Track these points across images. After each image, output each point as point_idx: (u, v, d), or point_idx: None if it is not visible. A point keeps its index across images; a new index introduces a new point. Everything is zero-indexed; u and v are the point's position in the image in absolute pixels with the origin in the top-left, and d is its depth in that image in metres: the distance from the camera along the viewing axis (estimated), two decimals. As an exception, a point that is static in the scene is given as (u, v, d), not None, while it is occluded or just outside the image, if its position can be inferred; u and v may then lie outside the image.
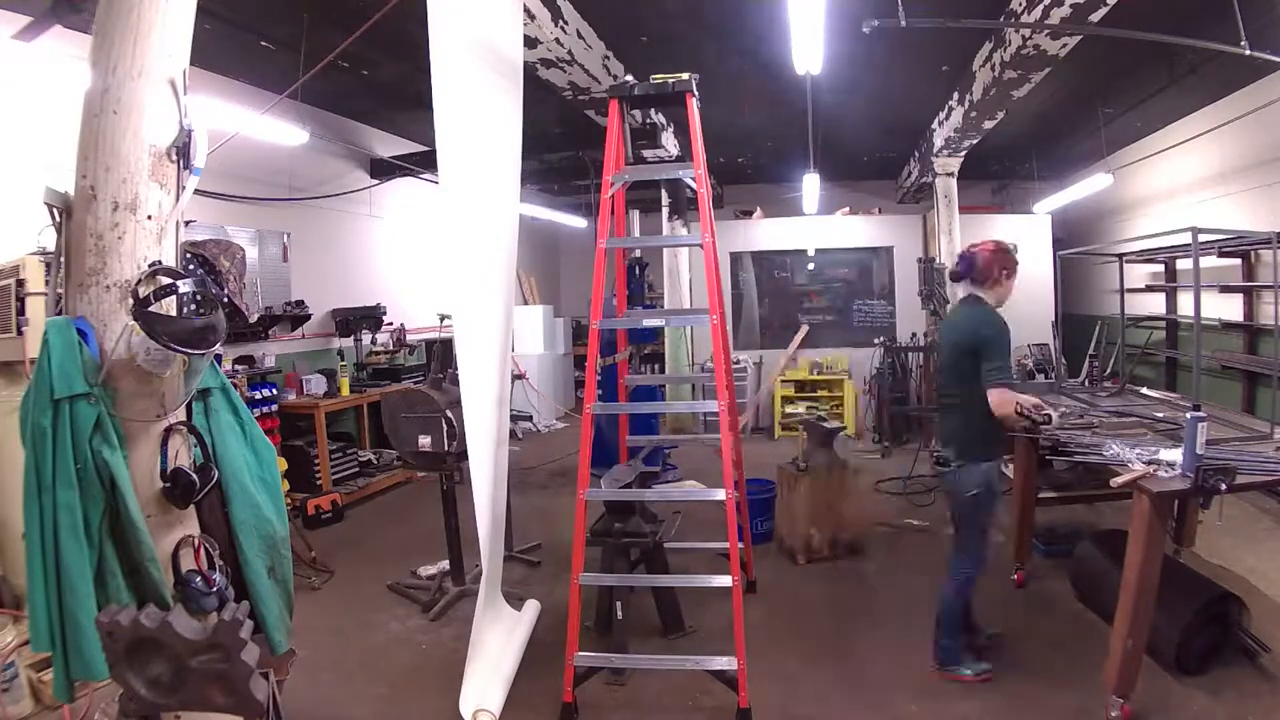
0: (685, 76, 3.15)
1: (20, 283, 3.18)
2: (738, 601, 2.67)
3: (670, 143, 7.17)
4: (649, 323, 3.47)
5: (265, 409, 5.17)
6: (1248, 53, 3.45)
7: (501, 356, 3.31)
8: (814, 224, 8.87)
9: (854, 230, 8.83)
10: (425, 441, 3.80)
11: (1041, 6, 3.76)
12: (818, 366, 8.40)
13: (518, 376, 6.61)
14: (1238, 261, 5.81)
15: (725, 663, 2.68)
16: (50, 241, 2.09)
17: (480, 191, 3.08)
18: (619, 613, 3.13)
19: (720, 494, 2.77)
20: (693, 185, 3.00)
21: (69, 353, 1.81)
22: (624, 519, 3.30)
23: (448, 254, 3.00)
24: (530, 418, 8.57)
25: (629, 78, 3.24)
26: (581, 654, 2.79)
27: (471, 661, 2.84)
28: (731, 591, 2.68)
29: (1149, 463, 2.64)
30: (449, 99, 2.74)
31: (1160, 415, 3.46)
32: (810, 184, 7.34)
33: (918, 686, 2.90)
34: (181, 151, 2.04)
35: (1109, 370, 6.60)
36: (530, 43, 4.20)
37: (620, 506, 3.29)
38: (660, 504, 3.67)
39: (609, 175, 3.02)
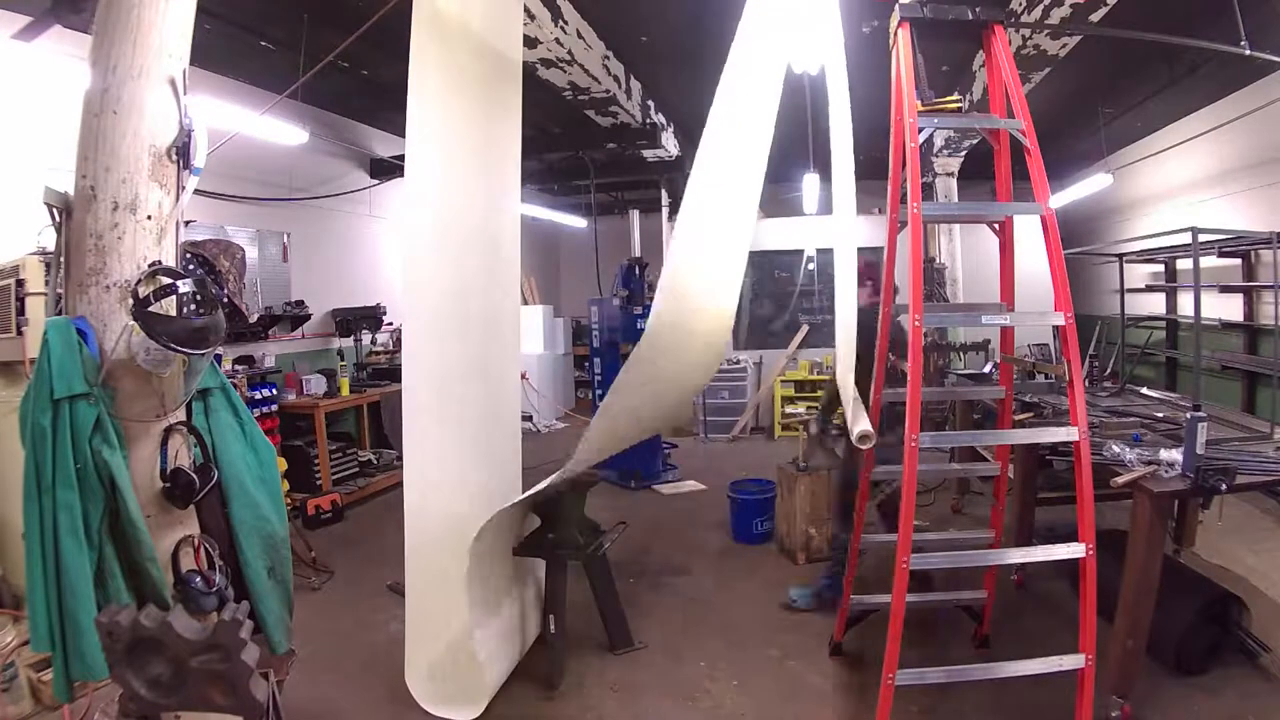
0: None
1: (20, 283, 3.18)
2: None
3: (670, 143, 7.17)
4: (989, 320, 2.73)
5: (265, 409, 5.17)
6: (1248, 53, 3.46)
7: (484, 358, 3.31)
8: (814, 224, 8.85)
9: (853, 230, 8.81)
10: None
11: (1041, 6, 3.76)
12: (818, 366, 8.40)
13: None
14: (1238, 261, 5.82)
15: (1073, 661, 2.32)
16: (50, 241, 2.09)
17: (455, 192, 3.08)
18: (551, 626, 3.05)
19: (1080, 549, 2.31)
20: (1022, 139, 2.46)
21: (69, 353, 1.81)
22: (555, 528, 3.14)
23: (405, 256, 2.97)
24: (530, 418, 8.57)
25: None
26: (905, 671, 2.32)
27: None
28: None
29: (1149, 463, 2.64)
30: (427, 96, 2.77)
31: (1160, 415, 3.46)
32: (810, 184, 7.34)
33: (918, 686, 2.89)
34: (181, 151, 2.04)
35: (1109, 370, 6.60)
36: (530, 43, 4.20)
37: (552, 514, 3.13)
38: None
39: (908, 118, 2.41)
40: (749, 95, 2.67)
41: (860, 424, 2.55)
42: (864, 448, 2.60)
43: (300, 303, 5.99)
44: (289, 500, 4.60)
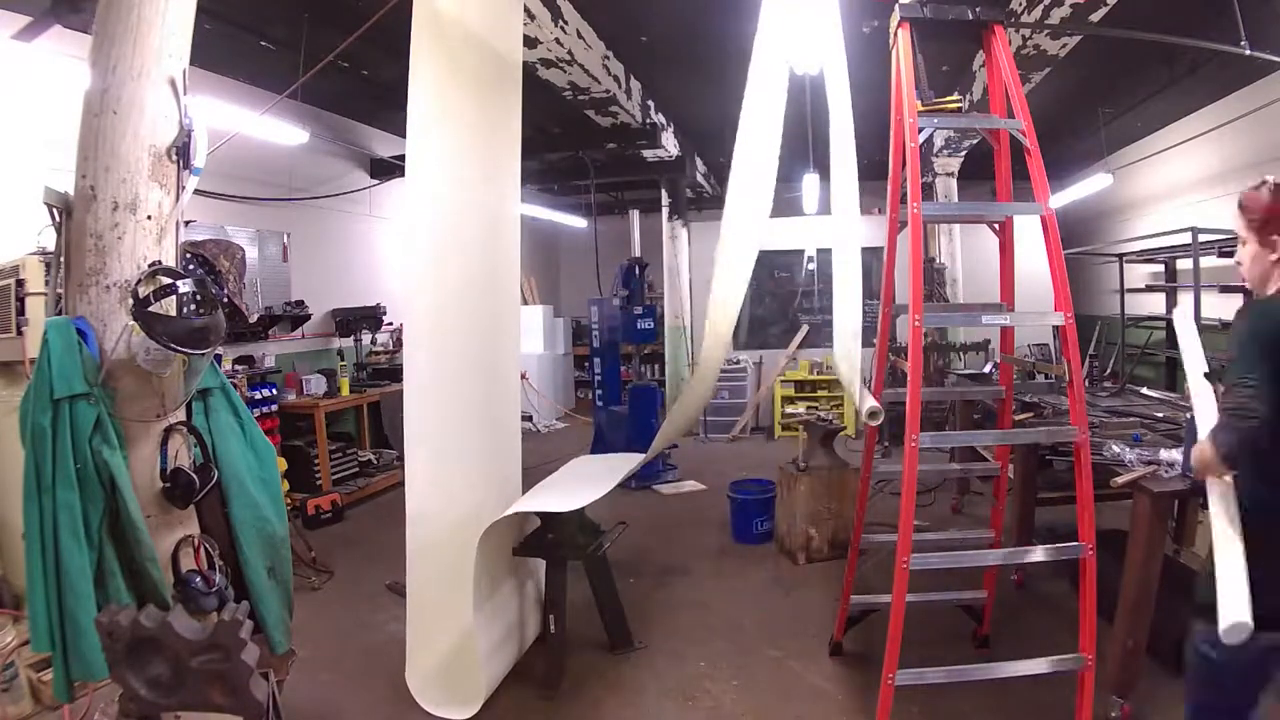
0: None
1: (20, 283, 3.18)
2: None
3: (670, 143, 7.17)
4: (989, 320, 2.73)
5: (265, 409, 5.17)
6: (1248, 53, 3.46)
7: (484, 361, 3.32)
8: (814, 224, 8.84)
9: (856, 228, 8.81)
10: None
11: (1041, 6, 3.76)
12: (818, 366, 8.40)
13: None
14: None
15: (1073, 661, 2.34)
16: (50, 241, 2.09)
17: (456, 192, 3.08)
18: (552, 626, 3.04)
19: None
20: (1022, 139, 2.45)
21: (69, 353, 1.81)
22: (555, 528, 3.14)
23: (406, 260, 3.00)
24: (530, 418, 8.57)
25: None
26: (905, 671, 2.31)
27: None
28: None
29: (1149, 463, 2.64)
30: (427, 96, 2.78)
31: (1160, 415, 3.46)
32: (810, 184, 7.34)
33: (918, 685, 2.89)
34: (181, 151, 2.04)
35: (1109, 370, 6.60)
36: (530, 43, 4.20)
37: (552, 514, 3.12)
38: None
39: (908, 118, 2.40)
40: (765, 103, 2.70)
41: (867, 401, 2.62)
42: (873, 424, 2.73)
43: (300, 303, 5.99)
44: (289, 500, 4.60)
